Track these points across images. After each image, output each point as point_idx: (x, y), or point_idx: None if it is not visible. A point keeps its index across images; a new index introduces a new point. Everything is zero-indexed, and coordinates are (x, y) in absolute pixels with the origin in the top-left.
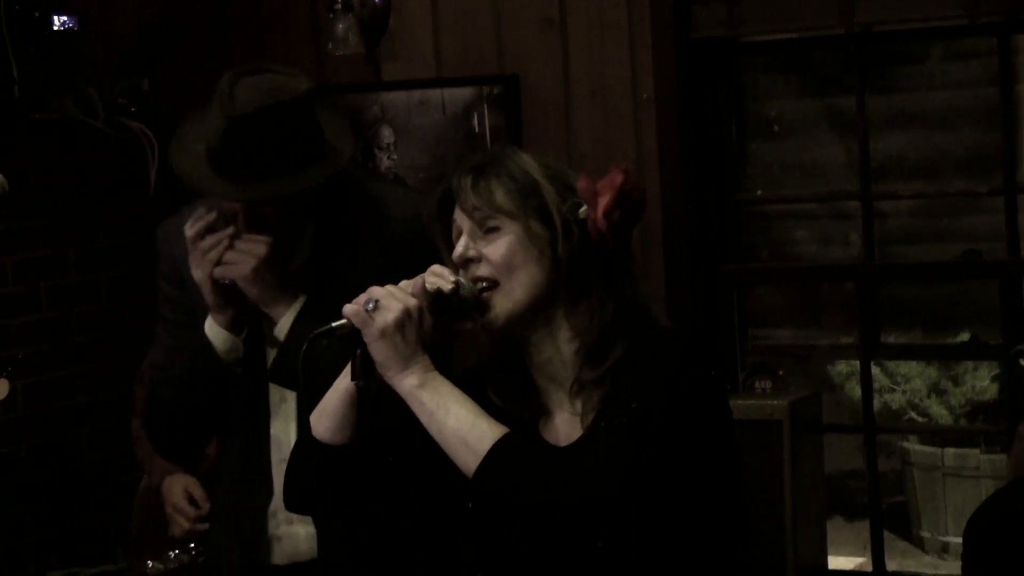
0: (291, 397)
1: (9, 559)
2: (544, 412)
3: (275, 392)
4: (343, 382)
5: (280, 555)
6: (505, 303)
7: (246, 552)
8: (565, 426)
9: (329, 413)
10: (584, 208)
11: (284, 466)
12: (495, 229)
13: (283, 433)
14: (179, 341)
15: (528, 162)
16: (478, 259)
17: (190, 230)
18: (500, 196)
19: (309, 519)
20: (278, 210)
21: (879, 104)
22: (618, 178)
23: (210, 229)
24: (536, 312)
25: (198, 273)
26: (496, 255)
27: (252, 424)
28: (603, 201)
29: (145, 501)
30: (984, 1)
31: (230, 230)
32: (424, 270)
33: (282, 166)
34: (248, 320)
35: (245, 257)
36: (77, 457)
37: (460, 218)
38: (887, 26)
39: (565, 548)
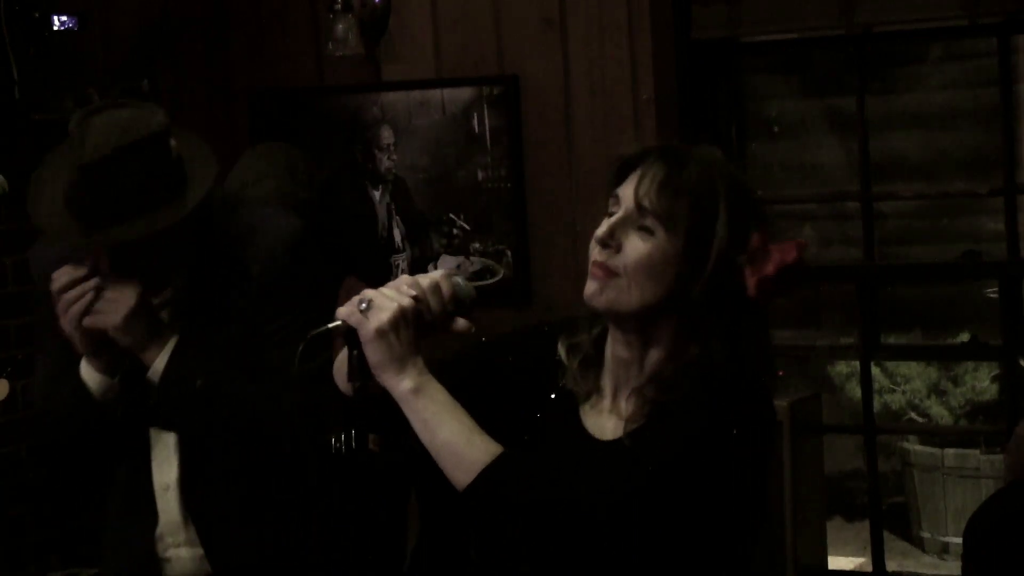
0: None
1: (9, 559)
2: (595, 395)
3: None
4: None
5: None
6: (618, 296)
7: (136, 573)
8: (604, 421)
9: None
10: (743, 259)
11: (167, 493)
12: (649, 231)
13: (165, 461)
14: (57, 369)
15: (723, 192)
16: (617, 248)
17: (55, 284)
18: (677, 207)
19: (196, 542)
20: (142, 251)
21: (879, 104)
22: (791, 255)
23: (75, 281)
24: (645, 317)
25: (66, 325)
26: (633, 256)
27: (134, 451)
28: (765, 269)
29: None
30: (984, 1)
31: (95, 281)
32: (305, 289)
33: (137, 207)
34: (123, 362)
35: (114, 306)
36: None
37: (625, 196)
38: (887, 26)
39: (547, 554)
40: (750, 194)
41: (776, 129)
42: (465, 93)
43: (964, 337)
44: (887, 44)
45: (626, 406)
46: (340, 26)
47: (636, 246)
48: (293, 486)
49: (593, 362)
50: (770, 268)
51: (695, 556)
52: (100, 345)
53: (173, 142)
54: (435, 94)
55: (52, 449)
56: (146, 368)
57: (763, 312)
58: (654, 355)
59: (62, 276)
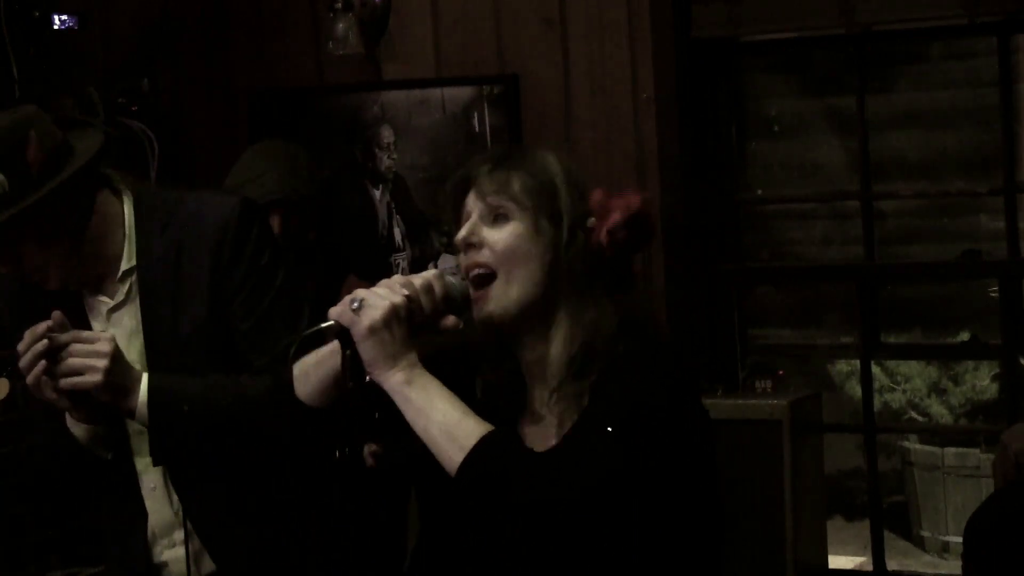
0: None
1: (9, 559)
2: (526, 413)
3: (132, 425)
4: (328, 355)
5: None
6: (500, 298)
7: None
8: (543, 430)
9: (312, 381)
10: (592, 220)
11: (155, 493)
12: (504, 217)
13: (148, 465)
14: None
15: (552, 163)
16: (480, 245)
17: (20, 363)
18: (516, 186)
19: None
20: (32, 244)
21: (879, 104)
22: (634, 202)
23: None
24: (532, 310)
25: (46, 394)
26: (500, 242)
27: (118, 457)
28: (612, 218)
29: None
30: (984, 1)
31: (43, 344)
32: (265, 269)
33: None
34: (104, 411)
35: (92, 362)
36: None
37: (472, 203)
38: (887, 26)
39: (543, 550)
40: (578, 168)
41: (776, 128)
42: (465, 92)
43: (964, 336)
44: (887, 44)
45: (556, 408)
46: (340, 25)
47: (496, 235)
48: (291, 485)
49: (512, 385)
50: (617, 216)
51: (669, 522)
52: (80, 401)
53: (34, 139)
54: (435, 93)
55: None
56: (130, 412)
57: (632, 276)
58: (556, 346)
59: (24, 358)
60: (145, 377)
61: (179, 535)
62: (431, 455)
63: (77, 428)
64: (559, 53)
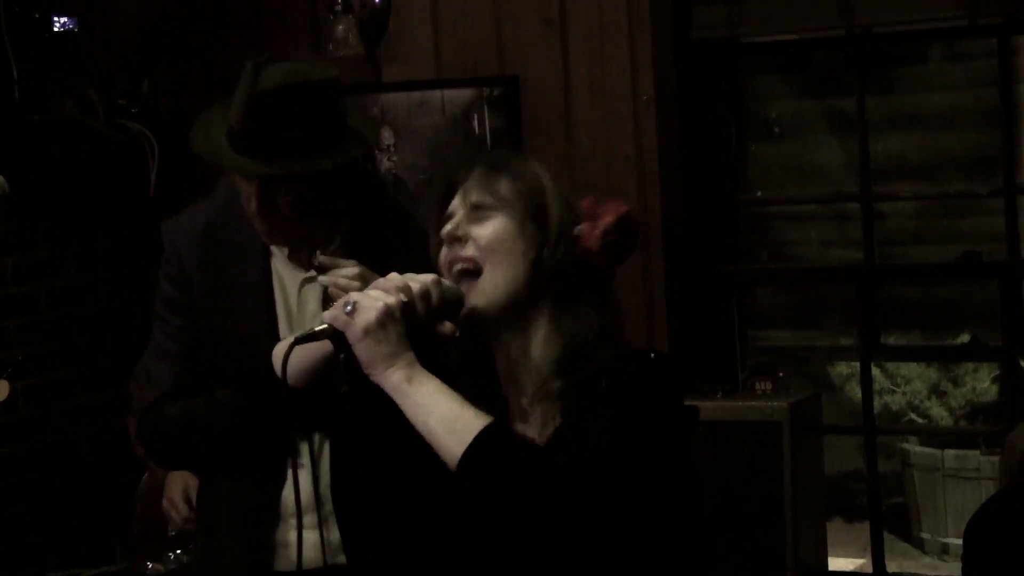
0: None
1: (9, 559)
2: (503, 414)
3: None
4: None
5: (286, 562)
6: (487, 291)
7: (250, 557)
8: (524, 430)
9: (293, 361)
10: (579, 227)
11: (302, 471)
12: (489, 215)
13: (303, 440)
14: (178, 346)
15: (539, 170)
16: (465, 240)
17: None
18: (504, 187)
19: (320, 527)
20: (294, 198)
21: (879, 105)
22: (622, 208)
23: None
24: (516, 308)
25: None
26: (483, 236)
27: (281, 432)
28: (603, 221)
29: (145, 501)
30: (984, 2)
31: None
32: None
33: (302, 146)
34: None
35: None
36: (77, 457)
37: (457, 203)
38: (887, 27)
39: (536, 543)
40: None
41: (776, 130)
42: (465, 94)
43: (964, 338)
44: (887, 44)
45: (537, 410)
46: (340, 27)
47: (481, 231)
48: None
49: (488, 391)
50: (609, 218)
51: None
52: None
53: (340, 105)
54: (435, 95)
55: (183, 451)
56: (273, 314)
57: (612, 287)
58: (536, 347)
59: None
60: None
61: (310, 519)
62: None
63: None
64: (559, 55)
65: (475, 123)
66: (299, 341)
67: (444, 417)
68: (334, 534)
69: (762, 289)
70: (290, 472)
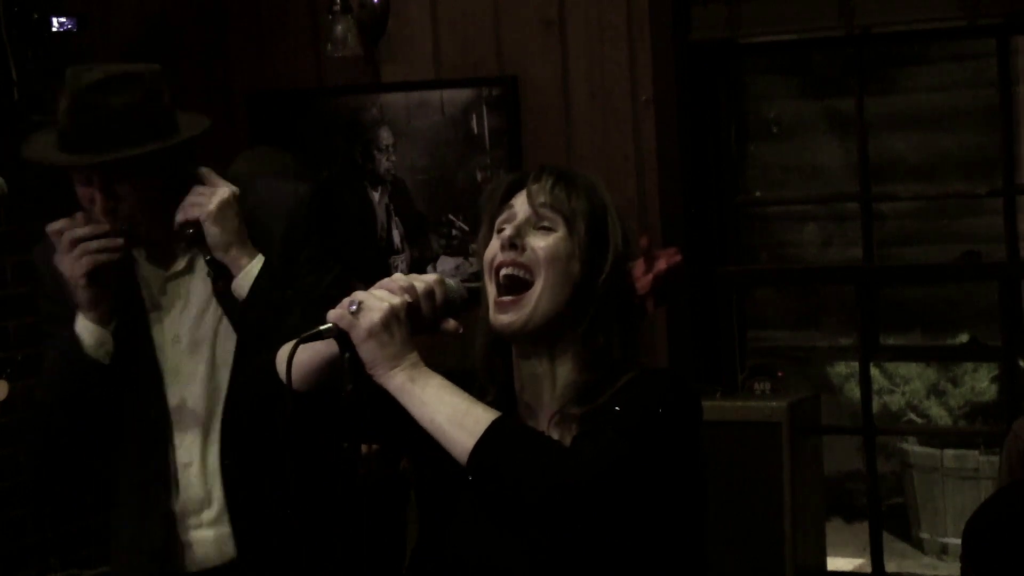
0: (200, 406)
1: (9, 560)
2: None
3: (174, 395)
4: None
5: (191, 562)
6: (532, 308)
7: (153, 562)
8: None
9: (301, 368)
10: (633, 263)
11: (189, 469)
12: (549, 229)
13: (187, 436)
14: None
15: (605, 195)
16: (523, 248)
17: (54, 225)
18: (571, 204)
19: (218, 523)
20: (134, 186)
21: (878, 105)
22: (676, 256)
23: (96, 233)
24: (553, 327)
25: (74, 267)
26: (544, 249)
27: (149, 428)
28: (658, 266)
29: None
30: (983, 2)
31: (118, 241)
32: (323, 247)
33: (130, 134)
34: (118, 310)
35: (205, 199)
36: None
37: (520, 205)
38: (886, 27)
39: (547, 541)
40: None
41: (776, 130)
42: (464, 94)
43: (964, 338)
44: (886, 45)
45: (555, 432)
46: (339, 27)
47: (542, 242)
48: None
49: (506, 403)
50: (662, 263)
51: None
52: (101, 288)
53: (166, 94)
54: (434, 95)
55: (46, 430)
56: (143, 317)
57: (643, 318)
58: (563, 368)
59: (60, 221)
60: (261, 257)
61: (208, 515)
62: (430, 451)
63: (87, 330)
64: (558, 55)
65: (474, 123)
66: (303, 340)
67: (452, 413)
68: (227, 530)
69: (762, 289)
70: (177, 472)
